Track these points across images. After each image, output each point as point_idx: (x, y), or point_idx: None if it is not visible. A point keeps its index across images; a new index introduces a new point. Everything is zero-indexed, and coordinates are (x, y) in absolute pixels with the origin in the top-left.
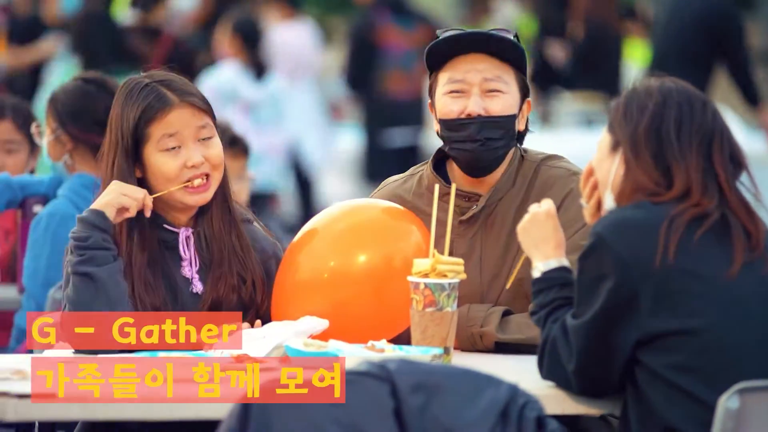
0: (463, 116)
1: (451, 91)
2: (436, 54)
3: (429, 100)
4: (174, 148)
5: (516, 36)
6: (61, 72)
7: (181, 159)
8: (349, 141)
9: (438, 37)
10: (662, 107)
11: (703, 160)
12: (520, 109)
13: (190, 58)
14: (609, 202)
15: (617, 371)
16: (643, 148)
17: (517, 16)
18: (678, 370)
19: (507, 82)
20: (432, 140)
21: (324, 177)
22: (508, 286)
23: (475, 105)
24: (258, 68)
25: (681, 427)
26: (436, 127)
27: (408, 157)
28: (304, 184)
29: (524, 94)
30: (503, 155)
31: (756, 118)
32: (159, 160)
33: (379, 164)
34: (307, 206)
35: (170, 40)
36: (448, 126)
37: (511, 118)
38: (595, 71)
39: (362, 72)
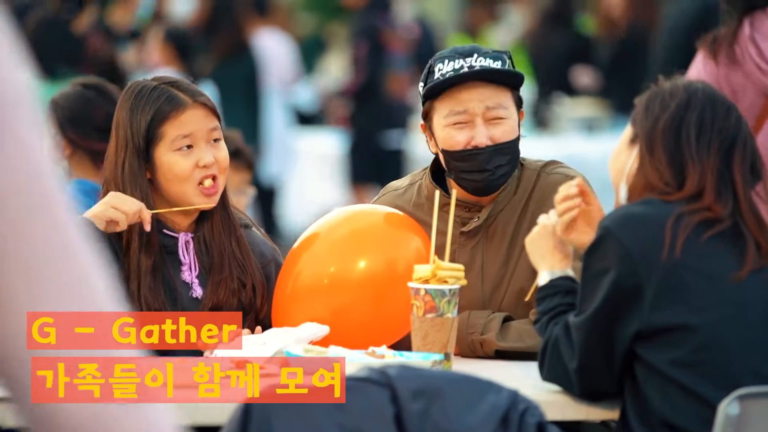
0: (469, 147)
1: (455, 123)
2: (434, 85)
3: (422, 122)
4: (187, 147)
5: (509, 56)
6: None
7: (193, 159)
8: (343, 147)
9: (429, 58)
10: (685, 107)
11: (722, 165)
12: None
13: (112, 63)
14: (623, 196)
15: (618, 367)
16: (659, 146)
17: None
18: (676, 365)
19: (507, 106)
20: (416, 145)
21: (314, 183)
22: (527, 298)
23: (481, 136)
24: (193, 75)
25: (678, 422)
26: (434, 149)
27: (396, 160)
28: (265, 195)
29: (518, 106)
30: (509, 176)
31: None
32: (171, 160)
33: (370, 167)
34: (269, 217)
35: (95, 46)
36: (455, 157)
37: (516, 141)
38: (621, 77)
39: (374, 74)
